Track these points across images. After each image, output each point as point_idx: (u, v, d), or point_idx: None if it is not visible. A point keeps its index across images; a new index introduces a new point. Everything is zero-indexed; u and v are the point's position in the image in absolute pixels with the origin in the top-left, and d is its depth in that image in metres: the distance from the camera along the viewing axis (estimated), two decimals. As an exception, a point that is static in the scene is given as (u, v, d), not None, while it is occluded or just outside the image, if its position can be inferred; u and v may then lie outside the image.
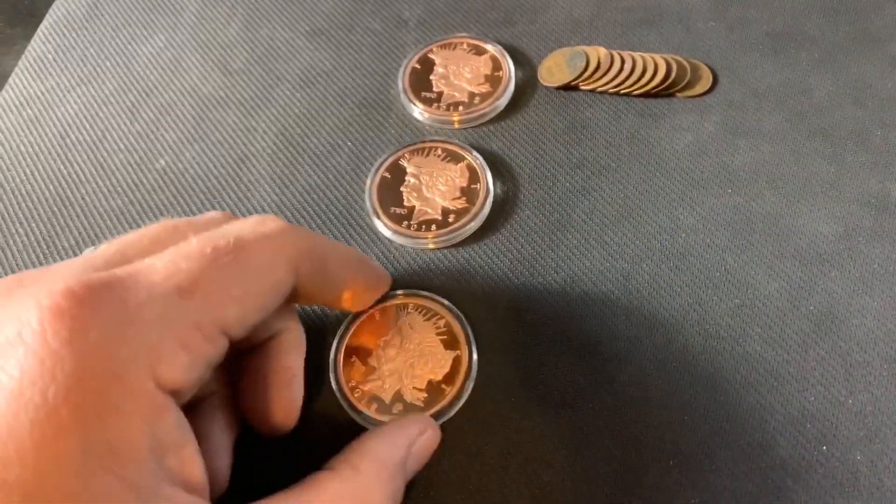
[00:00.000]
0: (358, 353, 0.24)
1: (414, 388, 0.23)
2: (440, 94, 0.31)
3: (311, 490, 0.18)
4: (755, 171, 0.27)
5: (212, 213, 0.21)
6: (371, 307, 0.25)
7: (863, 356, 0.23)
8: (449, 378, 0.24)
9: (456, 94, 0.31)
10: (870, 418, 0.22)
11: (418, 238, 0.26)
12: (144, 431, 0.15)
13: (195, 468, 0.17)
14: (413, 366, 0.24)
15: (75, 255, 0.28)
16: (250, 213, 0.28)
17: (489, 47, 0.32)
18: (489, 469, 0.22)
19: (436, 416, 0.23)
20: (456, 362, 0.24)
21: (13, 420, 0.14)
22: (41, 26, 0.36)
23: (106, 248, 0.19)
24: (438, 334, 0.24)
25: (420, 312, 0.25)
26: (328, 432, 0.23)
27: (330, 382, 0.24)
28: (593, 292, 0.25)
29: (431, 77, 0.31)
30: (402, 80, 0.31)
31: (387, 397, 0.23)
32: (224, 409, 0.21)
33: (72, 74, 0.34)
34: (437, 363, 0.24)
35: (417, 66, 0.32)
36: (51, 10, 0.36)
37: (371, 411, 0.23)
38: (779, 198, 0.27)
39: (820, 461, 0.22)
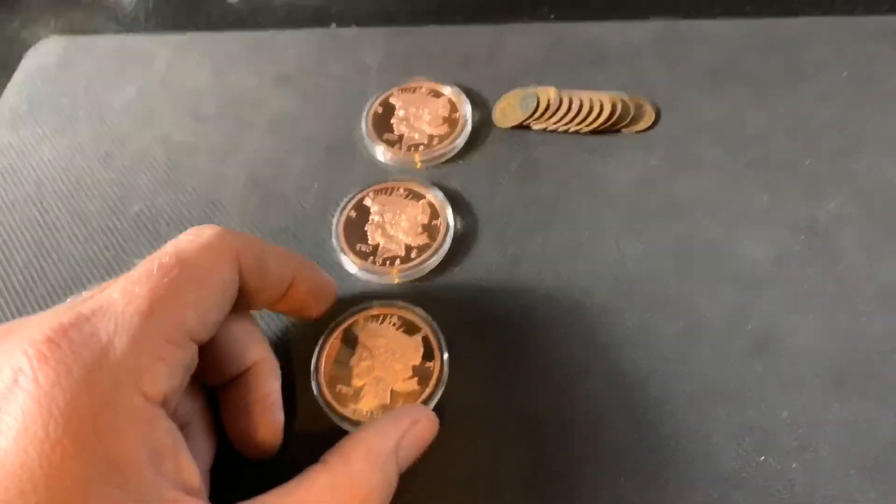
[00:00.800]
0: (339, 380, 0.25)
1: (403, 380, 0.25)
2: (401, 136, 0.33)
3: (304, 484, 0.20)
4: (696, 201, 0.30)
5: None
6: (329, 334, 0.26)
7: (796, 372, 0.25)
8: (427, 354, 0.26)
9: (416, 135, 0.32)
10: (803, 429, 0.24)
11: (383, 273, 0.28)
12: (140, 443, 0.17)
13: (191, 471, 0.19)
14: (391, 364, 0.26)
15: (53, 301, 0.29)
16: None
17: (447, 90, 0.34)
18: (454, 489, 0.24)
19: (432, 396, 0.25)
20: (426, 341, 0.26)
21: (24, 455, 0.16)
22: (14, 77, 0.37)
23: (74, 297, 0.21)
24: (398, 328, 0.26)
25: (372, 321, 0.27)
26: None
27: (328, 416, 0.25)
28: (549, 320, 0.27)
29: (392, 120, 0.33)
30: (365, 123, 0.33)
31: (387, 400, 0.25)
32: (202, 436, 0.23)
33: (46, 124, 0.35)
34: (410, 349, 0.26)
35: (379, 109, 0.34)
36: (23, 62, 0.38)
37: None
38: (718, 226, 0.29)
39: (759, 471, 0.23)
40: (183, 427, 0.22)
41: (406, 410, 0.24)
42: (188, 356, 0.20)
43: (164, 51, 0.37)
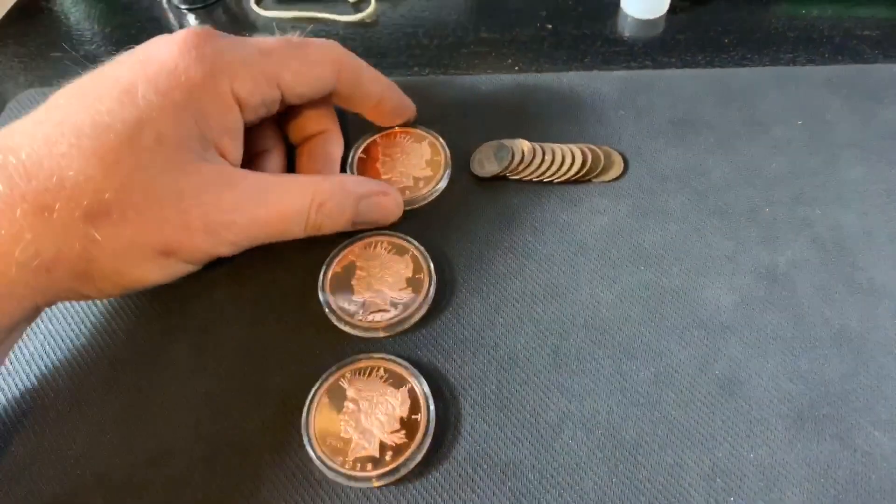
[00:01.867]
0: (329, 434, 0.26)
1: (391, 432, 0.26)
2: (388, 179, 0.34)
3: (291, 174, 0.33)
4: (663, 248, 0.31)
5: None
6: (318, 388, 0.27)
7: (761, 413, 0.27)
8: (414, 408, 0.27)
9: (403, 179, 0.34)
10: (768, 470, 0.26)
11: (370, 328, 0.29)
12: (218, 113, 0.27)
13: (237, 151, 0.29)
14: (377, 416, 0.27)
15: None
16: (210, 310, 0.30)
17: (427, 135, 0.35)
18: (442, 540, 0.25)
19: (419, 447, 0.26)
20: (412, 393, 0.27)
21: (160, 72, 0.26)
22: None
23: None
24: (385, 381, 0.27)
25: (359, 375, 0.28)
26: None
27: (321, 470, 0.26)
28: (528, 368, 0.28)
29: (378, 165, 0.34)
30: (350, 170, 0.34)
31: (375, 453, 0.26)
32: (274, 162, 0.33)
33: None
34: (396, 402, 0.27)
35: (363, 155, 0.35)
36: (4, 114, 0.38)
37: (370, 471, 0.25)
38: (684, 272, 0.30)
39: (729, 511, 0.25)
40: (263, 151, 0.32)
41: (381, 185, 0.32)
42: (271, 95, 0.29)
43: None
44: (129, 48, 0.28)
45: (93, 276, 0.25)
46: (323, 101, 0.32)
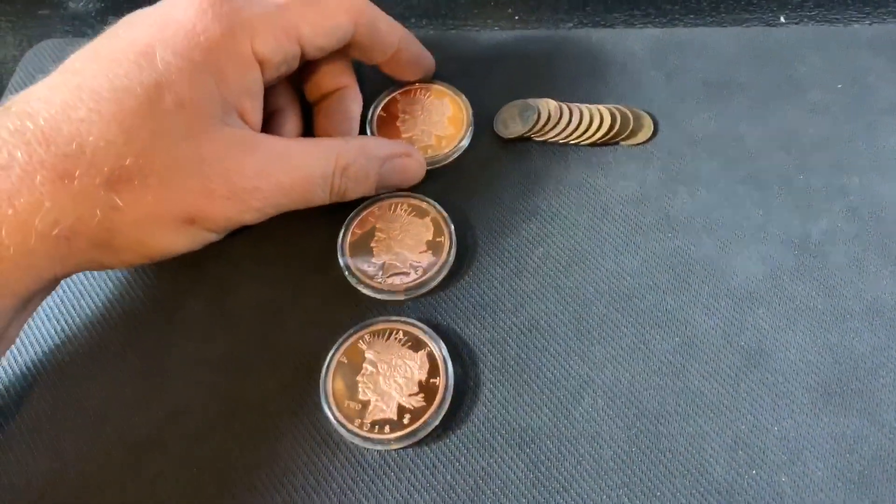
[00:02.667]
0: (347, 396, 0.26)
1: (409, 395, 0.26)
2: (409, 138, 0.33)
3: (314, 138, 0.31)
4: (692, 215, 0.30)
5: None
6: (336, 351, 0.27)
7: (787, 387, 0.26)
8: (433, 371, 0.26)
9: (424, 137, 0.33)
10: (792, 443, 0.25)
11: (389, 291, 0.29)
12: (238, 74, 0.26)
13: (257, 113, 0.28)
14: (395, 379, 0.26)
15: (49, 338, 0.29)
16: (227, 267, 0.30)
17: (448, 91, 0.34)
18: (459, 501, 0.25)
19: (437, 411, 0.26)
20: (430, 357, 0.27)
21: (178, 32, 0.25)
22: (12, 80, 0.37)
23: None
24: (403, 344, 0.27)
25: (378, 337, 0.27)
26: (354, 470, 0.25)
27: (339, 432, 0.26)
28: (550, 334, 0.28)
29: (398, 123, 0.34)
30: (369, 130, 0.33)
31: (393, 415, 0.26)
32: (289, 120, 0.31)
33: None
34: (415, 365, 0.27)
35: (383, 113, 0.34)
36: (20, 65, 0.38)
37: (387, 434, 0.25)
38: (713, 240, 0.30)
39: (750, 484, 0.25)
40: (277, 110, 0.31)
41: (403, 146, 0.31)
42: (291, 51, 0.28)
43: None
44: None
45: (114, 246, 0.24)
46: (340, 54, 0.31)
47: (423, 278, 0.29)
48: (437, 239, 0.30)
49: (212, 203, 0.25)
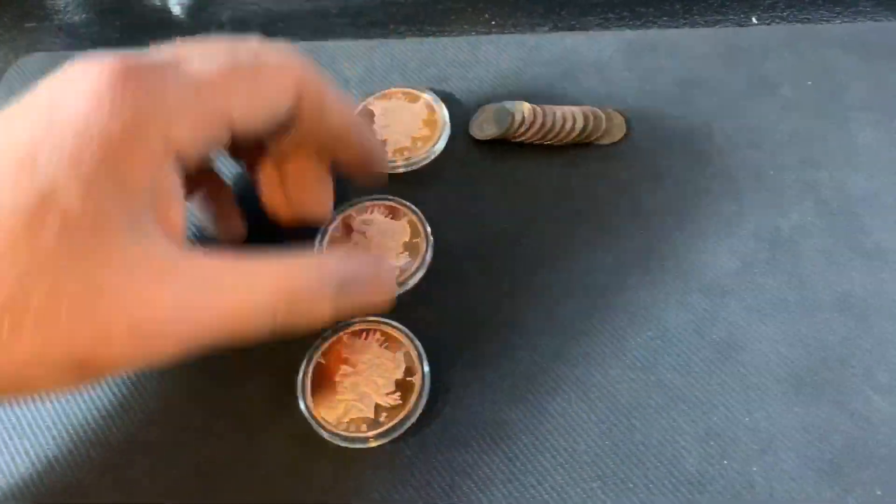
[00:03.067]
0: (325, 396, 0.27)
1: (386, 394, 0.26)
2: (384, 141, 0.33)
3: (255, 256, 0.22)
4: (664, 212, 0.31)
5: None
6: (314, 351, 0.27)
7: (759, 378, 0.27)
8: (409, 370, 0.27)
9: (400, 139, 0.33)
10: (764, 433, 0.25)
11: None
12: (146, 175, 0.21)
13: (179, 216, 0.22)
14: (374, 379, 0.27)
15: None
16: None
17: (422, 95, 0.35)
18: (436, 496, 0.25)
19: (414, 409, 0.26)
20: (407, 357, 0.27)
21: (66, 132, 0.20)
22: (-2, 94, 0.38)
23: (168, 46, 0.24)
24: (381, 344, 0.28)
25: (355, 337, 0.28)
26: (333, 469, 0.26)
27: (316, 432, 0.26)
28: (524, 332, 0.28)
29: (374, 127, 0.34)
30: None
31: (371, 414, 0.26)
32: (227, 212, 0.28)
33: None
34: (392, 364, 0.27)
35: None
36: (5, 79, 0.38)
37: (365, 432, 0.26)
38: (685, 236, 0.30)
39: (722, 474, 0.25)
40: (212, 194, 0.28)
41: (371, 262, 0.27)
42: (219, 136, 0.23)
43: (146, 66, 0.38)
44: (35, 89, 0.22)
45: None
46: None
47: (401, 279, 0.29)
48: (414, 240, 0.30)
49: (107, 346, 0.20)
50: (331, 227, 0.31)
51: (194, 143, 0.22)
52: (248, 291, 0.22)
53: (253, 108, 0.23)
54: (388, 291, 0.26)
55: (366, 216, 0.31)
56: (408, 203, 0.31)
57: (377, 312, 0.27)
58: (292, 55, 0.25)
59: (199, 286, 0.21)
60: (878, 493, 0.24)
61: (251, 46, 0.24)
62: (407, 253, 0.30)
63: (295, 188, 0.27)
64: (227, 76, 0.23)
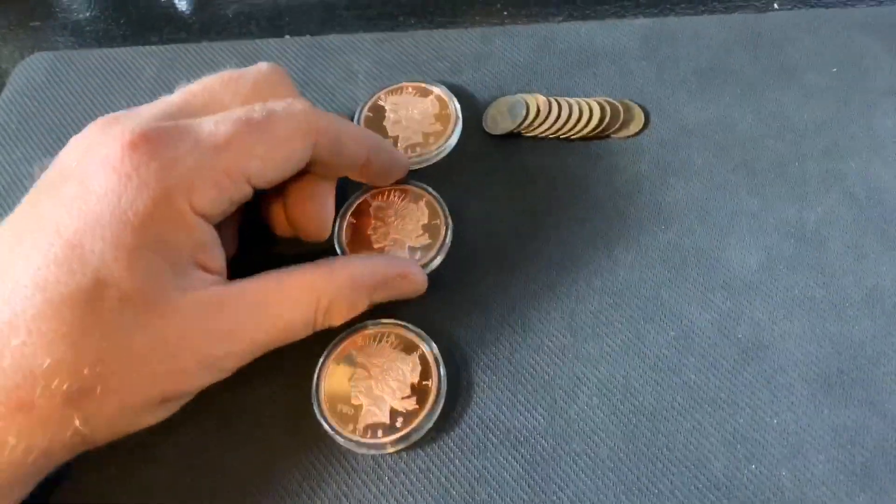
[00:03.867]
0: (339, 401, 0.26)
1: (402, 398, 0.26)
2: (396, 137, 0.33)
3: (293, 274, 0.25)
4: (686, 206, 0.30)
5: (261, 67, 0.28)
6: (328, 355, 0.27)
7: (785, 378, 0.26)
8: (425, 374, 0.26)
9: (412, 135, 0.33)
10: (792, 436, 0.25)
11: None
12: (180, 236, 0.23)
13: (217, 261, 0.25)
14: (388, 382, 0.26)
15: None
16: (219, 275, 0.30)
17: (434, 89, 0.34)
18: (457, 502, 0.24)
19: (430, 413, 0.26)
20: (422, 360, 0.26)
21: (103, 212, 0.22)
22: (2, 95, 0.37)
23: (175, 97, 0.26)
24: (395, 347, 0.27)
25: (370, 341, 0.27)
26: (348, 475, 0.25)
27: (331, 437, 0.26)
28: (542, 332, 0.27)
29: (385, 123, 0.33)
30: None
31: (385, 419, 0.25)
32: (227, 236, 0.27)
33: (37, 143, 0.35)
34: (407, 367, 0.26)
35: (370, 114, 0.34)
36: (11, 79, 0.38)
37: (380, 438, 0.25)
38: (708, 231, 0.29)
39: (750, 479, 0.24)
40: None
41: (401, 263, 0.28)
42: (240, 192, 0.24)
43: (151, 64, 0.37)
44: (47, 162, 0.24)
45: (93, 440, 0.23)
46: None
47: (422, 262, 0.29)
48: (434, 221, 0.30)
49: (183, 380, 0.23)
50: (348, 215, 0.30)
51: (217, 204, 0.24)
52: (290, 309, 0.24)
53: (269, 164, 0.25)
54: (418, 285, 0.28)
55: (380, 201, 0.30)
56: (424, 185, 0.30)
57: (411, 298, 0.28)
58: (303, 105, 0.26)
59: (249, 311, 0.24)
60: (913, 497, 0.23)
61: (259, 108, 0.25)
62: (427, 235, 0.29)
63: (296, 206, 0.28)
64: (241, 136, 0.24)
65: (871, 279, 0.27)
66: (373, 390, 0.26)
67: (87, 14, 0.42)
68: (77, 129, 0.34)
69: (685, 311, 0.27)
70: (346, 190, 0.31)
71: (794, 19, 0.35)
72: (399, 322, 0.27)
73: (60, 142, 0.34)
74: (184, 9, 0.41)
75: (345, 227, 0.30)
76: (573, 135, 0.32)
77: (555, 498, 0.24)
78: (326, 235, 0.28)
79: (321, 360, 0.27)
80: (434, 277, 0.29)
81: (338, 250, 0.29)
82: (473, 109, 0.33)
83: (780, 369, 0.26)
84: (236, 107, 0.25)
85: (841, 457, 0.24)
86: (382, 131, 0.33)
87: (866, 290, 0.27)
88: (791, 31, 0.35)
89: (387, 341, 0.27)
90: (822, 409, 0.25)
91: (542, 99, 0.32)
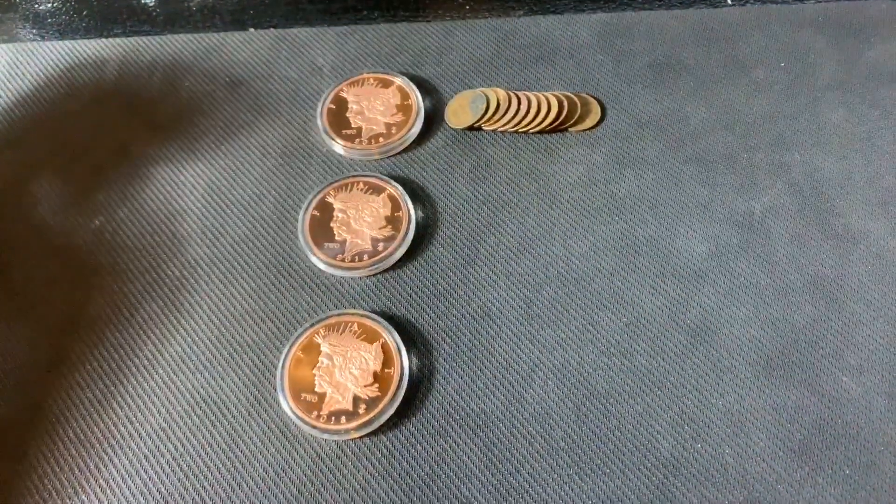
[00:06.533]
0: (303, 389, 0.27)
1: (364, 385, 0.27)
2: (359, 129, 0.33)
3: None
4: (638, 197, 0.31)
5: None
6: (292, 345, 0.28)
7: (731, 362, 0.27)
8: (387, 362, 0.27)
9: (374, 126, 0.33)
10: (736, 416, 0.26)
11: (352, 269, 0.29)
12: None
13: None
14: (351, 370, 0.27)
15: (7, 324, 0.29)
16: (183, 269, 0.30)
17: (395, 79, 0.34)
18: (416, 486, 0.25)
19: (392, 400, 0.26)
20: (385, 348, 0.27)
21: None
22: (-36, 88, 0.37)
23: None
24: (358, 336, 0.28)
25: (332, 330, 0.28)
26: (312, 461, 0.26)
27: (296, 424, 0.26)
28: (501, 320, 0.28)
29: (348, 114, 0.34)
30: (321, 122, 0.33)
31: (349, 406, 0.26)
32: None
33: (1, 138, 0.35)
34: (370, 356, 0.27)
35: (332, 106, 0.34)
36: (-28, 71, 0.37)
37: (344, 424, 0.26)
38: (659, 221, 0.30)
39: (696, 457, 0.25)
40: None
41: None
42: None
43: (114, 56, 0.37)
44: None
45: None
46: None
47: (383, 254, 0.30)
48: (396, 214, 0.31)
49: None
50: (311, 208, 0.31)
51: None
52: None
53: None
54: None
55: (344, 193, 0.31)
56: (387, 178, 0.31)
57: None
58: None
59: None
60: (847, 472, 0.25)
61: None
62: (390, 226, 0.30)
63: None
64: None
65: (812, 266, 0.29)
66: (336, 378, 0.27)
67: (50, 6, 0.41)
68: (40, 124, 0.34)
69: (637, 298, 0.29)
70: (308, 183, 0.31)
71: (745, 15, 0.36)
72: (362, 312, 0.28)
73: (23, 137, 0.34)
74: (147, 1, 0.41)
75: (308, 220, 0.31)
76: (532, 128, 0.32)
77: (511, 479, 0.25)
78: None
79: (285, 349, 0.27)
80: (396, 268, 0.30)
81: (302, 243, 0.30)
82: (435, 102, 0.34)
83: (725, 353, 0.27)
84: None
85: (781, 434, 0.26)
86: (345, 123, 0.33)
87: (808, 278, 0.29)
88: (742, 27, 0.36)
89: (350, 330, 0.28)
90: (763, 391, 0.26)
91: (502, 93, 0.33)
